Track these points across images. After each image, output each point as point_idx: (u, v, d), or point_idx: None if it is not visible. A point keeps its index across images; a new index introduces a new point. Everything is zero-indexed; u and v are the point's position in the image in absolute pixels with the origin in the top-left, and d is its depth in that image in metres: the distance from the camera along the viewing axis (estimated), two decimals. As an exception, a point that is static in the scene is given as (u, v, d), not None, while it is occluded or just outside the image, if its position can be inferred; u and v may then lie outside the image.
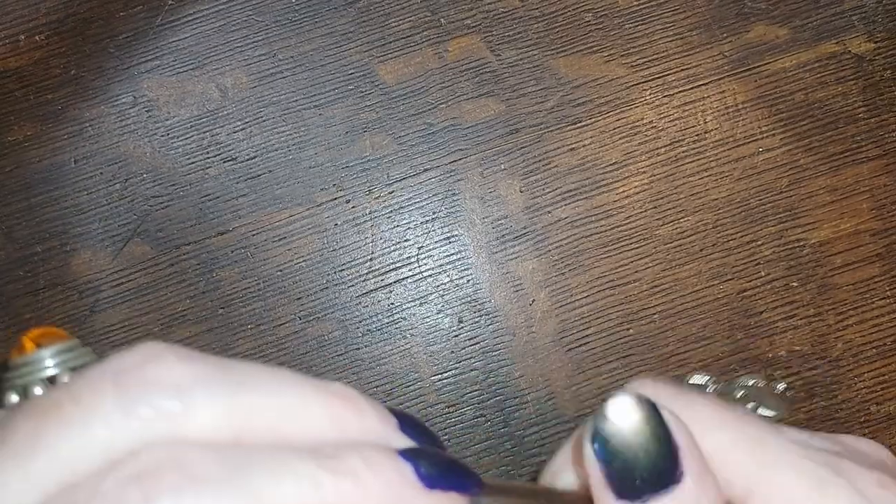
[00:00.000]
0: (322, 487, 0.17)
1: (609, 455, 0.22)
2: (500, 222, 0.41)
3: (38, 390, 0.19)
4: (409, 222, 0.40)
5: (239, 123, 0.41)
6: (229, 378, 0.18)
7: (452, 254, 0.40)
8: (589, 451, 0.23)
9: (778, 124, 0.41)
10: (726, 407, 0.26)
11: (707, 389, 0.29)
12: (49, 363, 0.20)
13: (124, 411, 0.16)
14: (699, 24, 0.41)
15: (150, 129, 0.40)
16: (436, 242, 0.40)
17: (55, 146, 0.40)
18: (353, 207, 0.40)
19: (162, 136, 0.40)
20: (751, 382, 0.30)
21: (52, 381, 0.20)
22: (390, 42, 0.41)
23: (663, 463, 0.22)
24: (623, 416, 0.22)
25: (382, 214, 0.40)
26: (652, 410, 0.23)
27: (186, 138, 0.40)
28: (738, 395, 0.30)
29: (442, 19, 0.41)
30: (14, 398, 0.20)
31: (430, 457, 0.19)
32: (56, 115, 0.40)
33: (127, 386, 0.16)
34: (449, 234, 0.40)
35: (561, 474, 0.26)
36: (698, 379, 0.30)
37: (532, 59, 0.41)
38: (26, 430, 0.16)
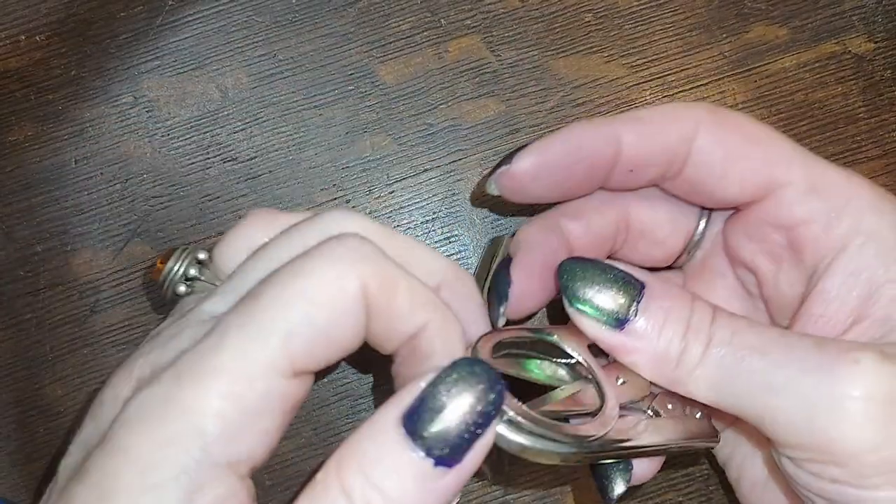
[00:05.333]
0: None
1: (595, 310, 0.28)
2: (500, 222, 0.41)
3: (192, 271, 0.30)
4: (409, 222, 0.40)
5: (239, 123, 0.41)
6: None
7: (452, 254, 0.40)
8: (575, 314, 0.29)
9: (778, 124, 0.41)
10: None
11: None
12: (181, 264, 0.30)
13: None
14: (699, 25, 0.41)
15: (150, 129, 0.41)
16: (436, 242, 0.40)
17: (55, 146, 0.40)
18: (353, 207, 0.40)
19: (162, 136, 0.41)
20: None
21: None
22: (390, 42, 0.41)
23: (627, 285, 0.28)
24: (584, 280, 0.29)
25: (382, 214, 0.40)
26: (599, 265, 0.29)
27: (186, 138, 0.41)
28: None
29: (442, 20, 0.41)
30: (182, 288, 0.30)
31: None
32: (56, 115, 0.40)
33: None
34: (449, 234, 0.41)
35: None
36: None
37: (532, 60, 0.41)
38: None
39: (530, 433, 0.27)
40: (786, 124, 0.41)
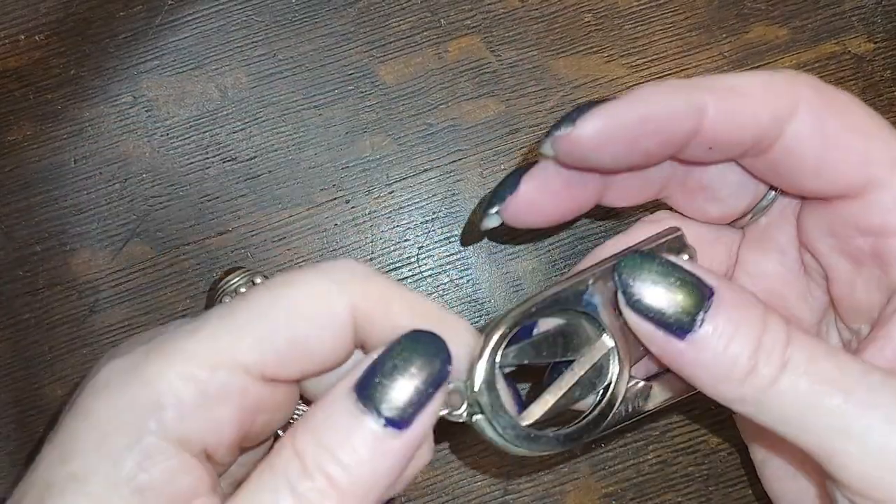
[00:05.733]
0: None
1: (652, 312, 0.26)
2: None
3: (243, 289, 0.34)
4: (409, 222, 0.40)
5: (239, 123, 0.41)
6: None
7: (452, 254, 0.40)
8: (632, 316, 0.26)
9: (777, 125, 0.41)
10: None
11: None
12: (238, 280, 0.35)
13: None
14: (699, 25, 0.41)
15: (149, 128, 0.40)
16: (436, 242, 0.40)
17: (55, 146, 0.40)
18: (352, 207, 0.40)
19: (162, 136, 0.40)
20: None
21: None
22: (390, 42, 0.41)
23: (695, 289, 0.25)
24: (645, 280, 0.26)
25: (382, 214, 0.40)
26: (664, 264, 0.26)
27: (186, 138, 0.40)
28: None
29: (442, 20, 0.41)
30: (228, 300, 0.34)
31: None
32: (56, 114, 0.40)
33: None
34: (449, 234, 0.40)
35: None
36: None
37: (532, 60, 0.41)
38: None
39: (518, 446, 0.27)
40: (785, 124, 0.41)
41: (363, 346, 0.27)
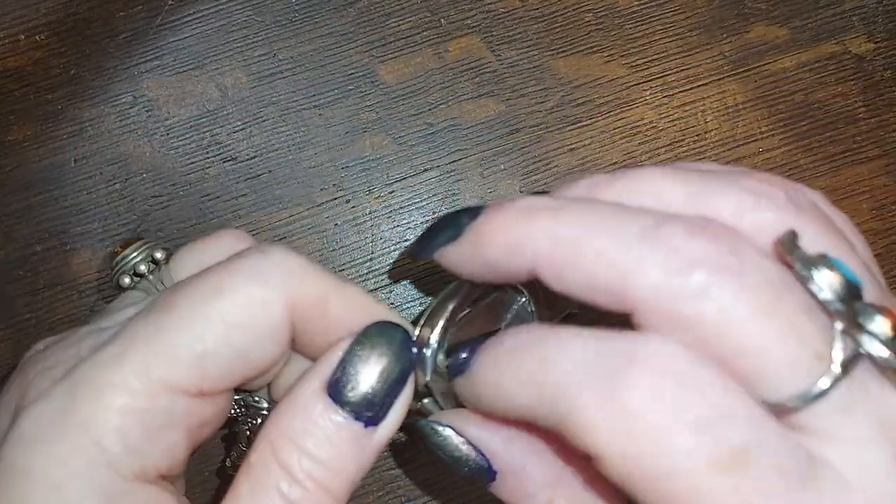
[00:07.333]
0: None
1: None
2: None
3: (142, 267, 0.30)
4: (409, 222, 0.40)
5: (239, 123, 0.41)
6: None
7: (452, 254, 0.40)
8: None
9: (778, 125, 0.41)
10: None
11: None
12: (137, 256, 0.30)
13: None
14: (699, 25, 0.41)
15: (150, 128, 0.40)
16: (436, 242, 0.40)
17: (55, 146, 0.40)
18: (353, 207, 0.40)
19: (162, 135, 0.40)
20: None
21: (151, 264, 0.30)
22: (390, 42, 0.41)
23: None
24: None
25: (382, 214, 0.40)
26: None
27: (186, 138, 0.40)
28: None
29: (442, 19, 0.41)
30: (126, 280, 0.30)
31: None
32: (56, 114, 0.40)
33: None
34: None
35: None
36: None
37: (532, 59, 0.41)
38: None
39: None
40: (785, 125, 0.41)
41: (293, 342, 0.26)
